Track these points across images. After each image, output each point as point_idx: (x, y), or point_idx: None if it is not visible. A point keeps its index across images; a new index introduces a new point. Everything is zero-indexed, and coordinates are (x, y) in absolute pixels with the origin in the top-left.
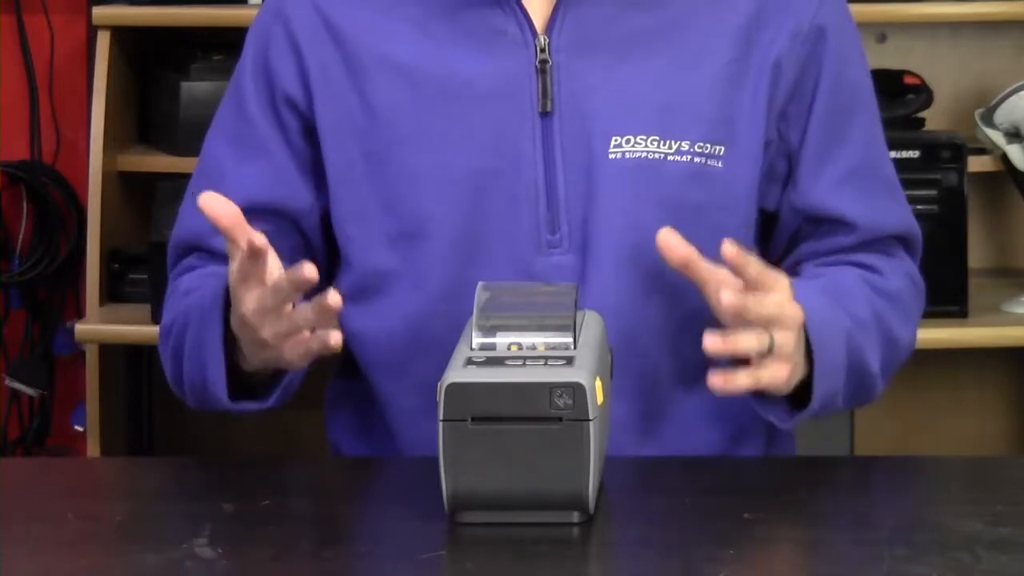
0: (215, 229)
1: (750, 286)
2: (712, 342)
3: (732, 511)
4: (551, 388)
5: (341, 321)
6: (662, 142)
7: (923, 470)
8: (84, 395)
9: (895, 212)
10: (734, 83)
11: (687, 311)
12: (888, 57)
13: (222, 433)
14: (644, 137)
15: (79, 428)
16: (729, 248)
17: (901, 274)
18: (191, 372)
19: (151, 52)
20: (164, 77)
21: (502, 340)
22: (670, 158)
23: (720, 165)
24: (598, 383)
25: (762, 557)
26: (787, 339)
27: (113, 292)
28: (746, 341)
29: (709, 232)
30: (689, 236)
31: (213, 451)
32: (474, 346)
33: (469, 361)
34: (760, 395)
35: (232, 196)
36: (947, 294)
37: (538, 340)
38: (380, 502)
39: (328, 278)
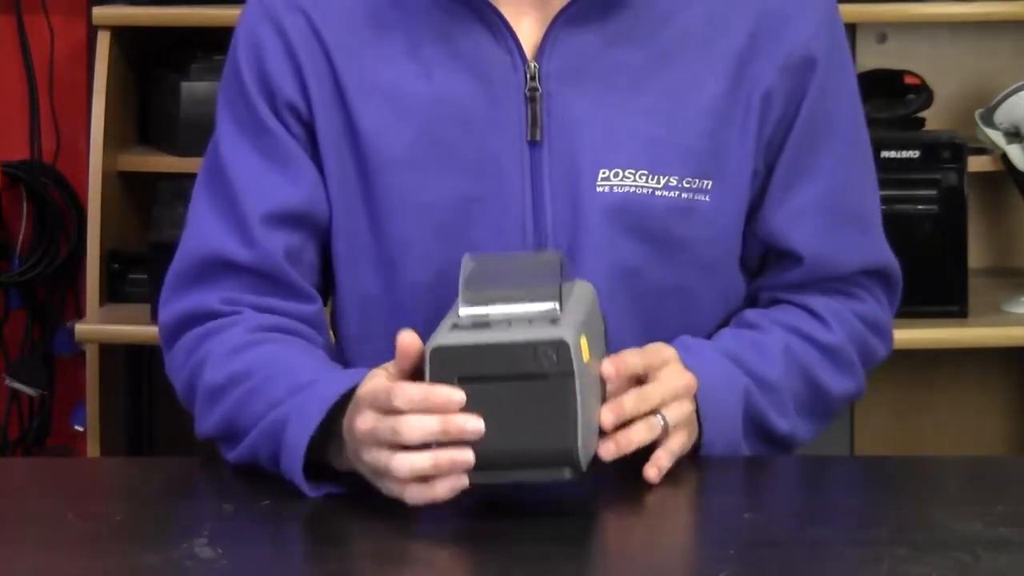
0: (242, 243)
1: (643, 376)
2: (606, 450)
3: (732, 511)
4: (535, 347)
5: (335, 326)
6: (650, 176)
7: (923, 470)
8: (84, 395)
9: (860, 248)
10: (724, 117)
11: (672, 340)
12: (888, 57)
13: None
14: (632, 171)
15: (79, 428)
16: (607, 368)
17: (850, 322)
18: (257, 444)
19: (151, 52)
20: (164, 77)
21: (487, 310)
22: (658, 193)
23: (708, 199)
24: (583, 340)
25: (762, 557)
26: (682, 410)
27: (113, 292)
28: (638, 436)
29: (694, 265)
30: (674, 269)
31: (213, 451)
32: (460, 315)
33: (454, 326)
34: None
35: (264, 205)
36: (947, 294)
37: (523, 309)
38: (379, 502)
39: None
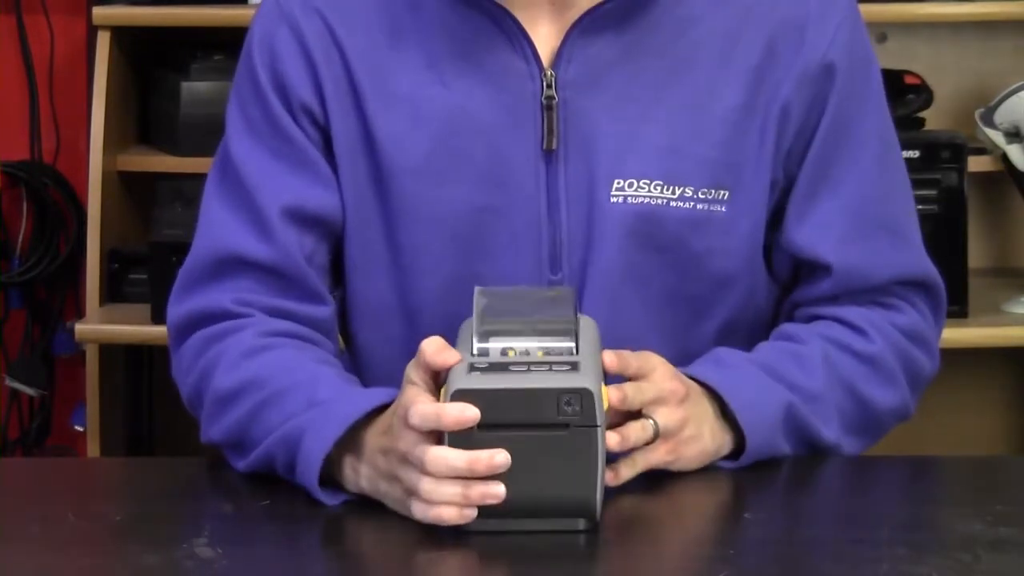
0: (260, 238)
1: (634, 378)
2: (611, 442)
3: (732, 511)
4: (559, 394)
5: (346, 332)
6: (665, 187)
7: (923, 470)
8: (84, 395)
9: (893, 257)
10: (741, 127)
11: (684, 354)
12: (888, 57)
13: None
14: (648, 181)
15: (79, 428)
16: (608, 358)
17: (889, 333)
18: (273, 452)
19: (151, 52)
20: (164, 77)
21: (502, 345)
22: (672, 204)
23: (723, 210)
24: (604, 389)
25: (762, 557)
26: (671, 416)
27: (113, 292)
28: (635, 433)
29: (709, 275)
30: (689, 280)
31: (213, 451)
32: (475, 351)
33: (472, 368)
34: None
35: (281, 201)
36: (947, 294)
37: (539, 345)
38: (379, 502)
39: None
